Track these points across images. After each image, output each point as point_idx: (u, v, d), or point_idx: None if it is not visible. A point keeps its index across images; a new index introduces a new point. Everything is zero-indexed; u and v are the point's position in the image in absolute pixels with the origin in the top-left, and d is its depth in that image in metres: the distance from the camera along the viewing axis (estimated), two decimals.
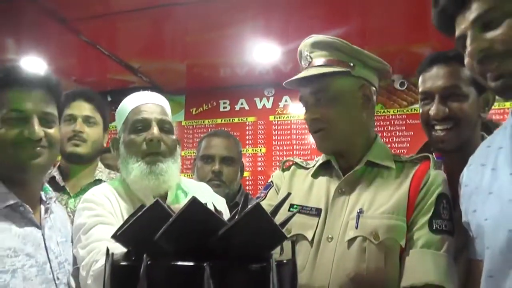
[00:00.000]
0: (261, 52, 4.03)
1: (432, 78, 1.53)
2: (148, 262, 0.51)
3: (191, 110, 5.18)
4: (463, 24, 1.06)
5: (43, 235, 1.39)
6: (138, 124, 1.53)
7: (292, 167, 1.58)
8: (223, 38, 3.77)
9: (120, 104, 1.64)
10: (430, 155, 1.44)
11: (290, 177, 1.54)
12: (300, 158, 1.65)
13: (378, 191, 1.36)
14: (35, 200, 1.43)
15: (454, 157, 1.52)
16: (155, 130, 1.52)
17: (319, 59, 1.41)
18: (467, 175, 1.22)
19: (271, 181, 1.57)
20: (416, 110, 3.88)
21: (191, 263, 0.51)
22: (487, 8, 1.00)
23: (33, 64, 3.88)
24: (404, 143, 4.55)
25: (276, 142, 4.99)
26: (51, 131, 1.41)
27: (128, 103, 1.61)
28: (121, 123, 1.61)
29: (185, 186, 1.64)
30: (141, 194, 1.53)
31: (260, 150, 5.01)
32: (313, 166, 1.52)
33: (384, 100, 4.71)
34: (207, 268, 0.49)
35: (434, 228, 1.28)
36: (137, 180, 1.50)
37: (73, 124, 2.14)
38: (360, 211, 1.32)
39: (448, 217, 1.31)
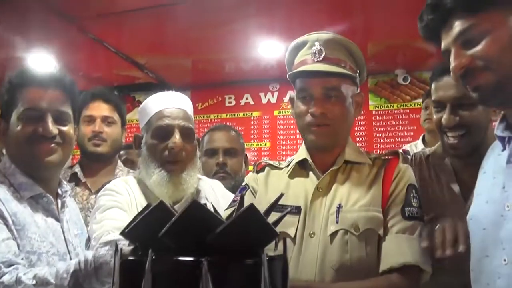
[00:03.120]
0: (266, 47, 4.05)
1: (443, 88, 1.57)
2: (153, 257, 0.57)
3: (197, 105, 5.22)
4: (446, 40, 1.13)
5: (62, 227, 1.46)
6: (161, 130, 1.58)
7: (266, 168, 1.61)
8: (228, 34, 3.81)
9: (144, 102, 1.68)
10: (399, 151, 1.53)
11: (265, 178, 1.57)
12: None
13: (354, 186, 1.44)
14: (53, 194, 1.49)
15: (467, 160, 1.59)
16: (177, 138, 1.57)
17: (332, 56, 1.43)
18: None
19: (246, 184, 1.60)
20: (420, 105, 3.93)
21: (190, 258, 0.57)
22: (467, 26, 1.06)
23: (42, 60, 3.94)
24: (408, 137, 4.58)
25: (281, 136, 5.03)
26: (65, 128, 1.46)
27: (152, 105, 1.65)
28: (144, 122, 1.65)
29: (199, 186, 1.69)
30: (157, 193, 1.58)
31: (265, 144, 5.06)
32: (287, 166, 1.57)
33: (388, 94, 4.75)
34: (204, 263, 0.55)
35: (407, 215, 1.38)
36: (156, 186, 1.57)
37: (92, 125, 2.22)
38: (339, 206, 1.40)
39: (418, 205, 1.41)
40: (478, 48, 1.06)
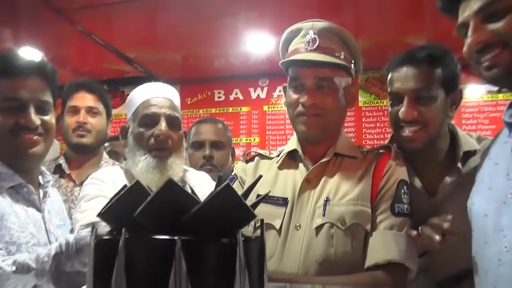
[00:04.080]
0: (256, 42, 4.05)
1: (402, 79, 1.52)
2: (126, 236, 0.56)
3: (186, 99, 5.21)
4: (466, 12, 1.09)
5: (43, 218, 1.44)
6: (147, 118, 1.59)
7: (256, 158, 1.61)
8: (218, 28, 3.80)
9: (131, 94, 1.68)
10: (391, 145, 1.50)
11: (254, 168, 1.57)
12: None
13: (343, 180, 1.41)
14: (34, 184, 1.47)
15: (420, 153, 1.56)
16: (163, 126, 1.57)
17: (326, 46, 1.41)
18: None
19: (235, 174, 1.60)
20: None
21: (164, 237, 0.56)
22: (491, 0, 1.03)
23: (29, 53, 3.89)
24: None
25: (270, 131, 5.03)
26: (47, 118, 1.44)
27: (139, 95, 1.65)
28: (131, 113, 1.65)
29: (186, 178, 1.69)
30: (143, 180, 1.57)
31: (254, 139, 5.06)
32: (278, 156, 1.55)
33: (377, 91, 4.76)
34: (178, 241, 0.54)
35: (396, 211, 1.36)
36: (143, 173, 1.55)
37: (76, 116, 2.19)
38: (327, 199, 1.38)
39: (408, 202, 1.39)
40: (500, 24, 1.03)
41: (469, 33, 1.08)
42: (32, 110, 1.39)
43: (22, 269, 1.14)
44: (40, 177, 1.53)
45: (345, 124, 4.59)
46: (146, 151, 1.57)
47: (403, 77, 1.52)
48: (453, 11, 1.15)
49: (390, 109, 1.59)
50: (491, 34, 1.04)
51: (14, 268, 1.15)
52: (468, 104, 4.54)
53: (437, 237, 1.24)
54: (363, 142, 4.68)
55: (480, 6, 1.05)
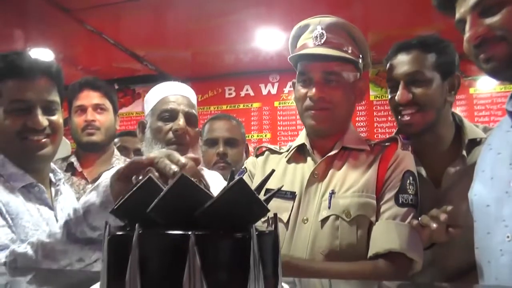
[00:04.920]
0: (265, 38, 4.05)
1: (397, 65, 1.58)
2: (140, 232, 0.56)
3: (197, 96, 5.16)
4: (463, 8, 1.10)
5: (55, 216, 1.44)
6: (166, 114, 1.63)
7: (266, 152, 1.62)
8: (227, 25, 3.81)
9: (151, 90, 1.73)
10: (397, 137, 1.50)
11: (263, 163, 1.58)
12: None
13: (349, 172, 1.42)
14: (45, 183, 1.48)
15: (421, 139, 1.59)
16: (181, 121, 1.61)
17: (334, 40, 1.42)
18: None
19: (245, 167, 1.62)
20: None
21: (178, 232, 0.56)
22: None
23: (39, 54, 3.92)
24: None
25: (281, 127, 5.03)
26: (54, 118, 1.44)
27: (158, 91, 1.70)
28: (149, 109, 1.69)
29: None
30: None
31: (266, 135, 5.05)
32: (287, 151, 1.56)
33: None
34: (192, 236, 0.54)
35: (400, 202, 1.36)
36: None
37: (84, 115, 2.20)
38: (332, 192, 1.39)
39: (414, 192, 1.39)
40: (497, 18, 1.04)
41: (467, 28, 1.09)
42: (39, 112, 1.39)
43: (37, 247, 1.13)
44: (51, 175, 1.53)
45: (357, 118, 4.59)
46: (163, 145, 1.60)
47: (398, 63, 1.58)
48: (448, 9, 1.16)
49: (389, 97, 1.64)
50: (488, 29, 1.05)
51: (29, 247, 1.14)
52: (481, 96, 4.50)
53: (434, 225, 1.23)
54: (375, 136, 4.66)
55: (476, 1, 1.06)
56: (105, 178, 1.13)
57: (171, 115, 1.63)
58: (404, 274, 1.31)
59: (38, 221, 1.36)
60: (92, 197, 1.12)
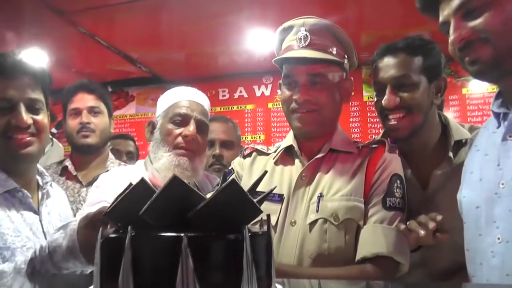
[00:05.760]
0: (259, 40, 4.04)
1: (383, 69, 1.56)
2: (133, 234, 0.56)
3: None
4: (446, 11, 1.11)
5: (40, 220, 1.42)
6: (178, 118, 1.63)
7: (253, 153, 1.60)
8: (220, 27, 3.80)
9: (165, 93, 1.74)
10: (385, 140, 1.50)
11: (251, 164, 1.56)
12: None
13: (337, 175, 1.41)
14: (31, 186, 1.46)
15: (408, 142, 1.58)
16: (192, 128, 1.62)
17: (318, 42, 1.41)
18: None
19: (232, 168, 1.59)
20: None
21: (170, 234, 0.56)
22: None
23: (33, 56, 3.90)
24: None
25: (275, 129, 5.03)
26: (39, 117, 1.41)
27: (174, 94, 1.70)
28: (162, 110, 1.69)
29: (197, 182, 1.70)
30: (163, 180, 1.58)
31: (259, 137, 5.05)
32: (275, 152, 1.55)
33: None
34: (184, 238, 0.54)
35: (387, 205, 1.35)
36: (163, 169, 1.59)
37: (79, 117, 2.19)
38: (321, 195, 1.37)
39: (401, 195, 1.38)
40: (480, 20, 1.04)
41: (451, 30, 1.10)
42: (22, 109, 1.36)
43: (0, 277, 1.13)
44: (39, 178, 1.51)
45: (350, 119, 4.60)
46: (171, 148, 1.61)
47: (384, 66, 1.57)
48: (432, 11, 1.17)
49: (375, 100, 1.63)
50: (472, 31, 1.06)
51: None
52: (473, 96, 4.53)
53: (422, 232, 1.22)
54: (368, 136, 4.66)
55: (459, 3, 1.07)
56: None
57: (183, 120, 1.63)
58: (391, 277, 1.31)
59: (20, 227, 1.34)
60: (59, 238, 1.13)
